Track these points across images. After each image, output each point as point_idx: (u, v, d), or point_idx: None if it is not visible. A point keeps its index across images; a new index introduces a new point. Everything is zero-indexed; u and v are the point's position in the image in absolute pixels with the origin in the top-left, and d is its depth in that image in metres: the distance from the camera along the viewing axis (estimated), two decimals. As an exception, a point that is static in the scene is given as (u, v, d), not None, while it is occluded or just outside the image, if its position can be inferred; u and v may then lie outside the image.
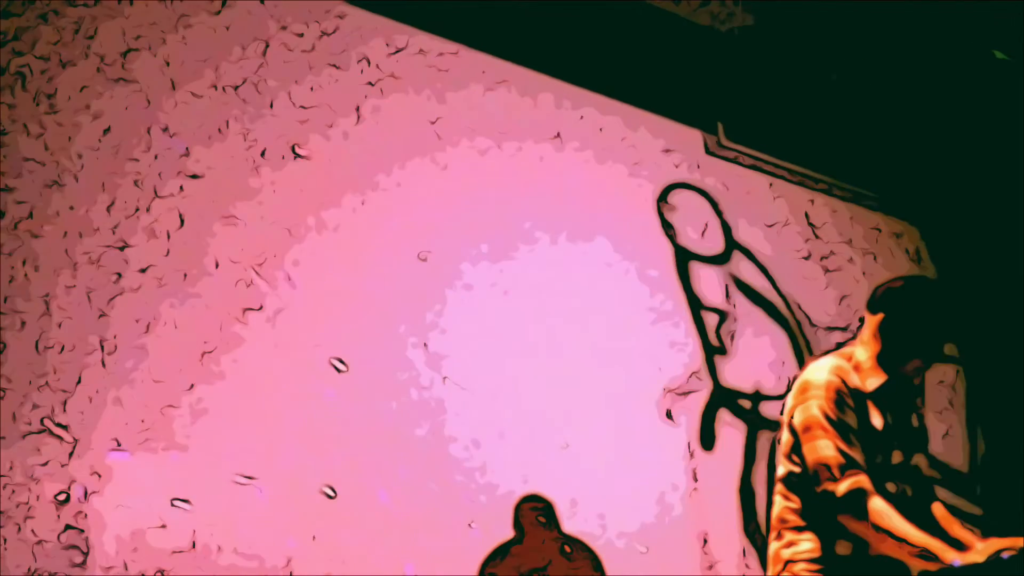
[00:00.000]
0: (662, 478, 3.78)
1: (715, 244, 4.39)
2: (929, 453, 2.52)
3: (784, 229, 4.65)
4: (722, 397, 4.12)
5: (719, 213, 4.43)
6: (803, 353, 4.44)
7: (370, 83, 3.46)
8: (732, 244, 4.43)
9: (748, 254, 4.45)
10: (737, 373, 4.21)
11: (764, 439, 4.17)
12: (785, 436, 2.40)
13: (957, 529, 2.37)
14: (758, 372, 4.28)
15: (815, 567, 2.30)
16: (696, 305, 4.19)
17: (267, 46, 3.23)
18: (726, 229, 4.44)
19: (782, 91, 4.74)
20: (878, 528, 2.15)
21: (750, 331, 4.31)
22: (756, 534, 3.98)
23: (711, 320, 4.21)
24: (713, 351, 4.19)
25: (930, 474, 2.49)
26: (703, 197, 4.40)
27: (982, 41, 4.42)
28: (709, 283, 4.28)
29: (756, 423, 4.18)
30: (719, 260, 4.37)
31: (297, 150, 3.20)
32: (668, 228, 4.21)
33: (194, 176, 3.00)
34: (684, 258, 4.24)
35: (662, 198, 4.24)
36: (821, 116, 4.88)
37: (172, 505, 2.69)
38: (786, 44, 4.61)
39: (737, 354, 4.23)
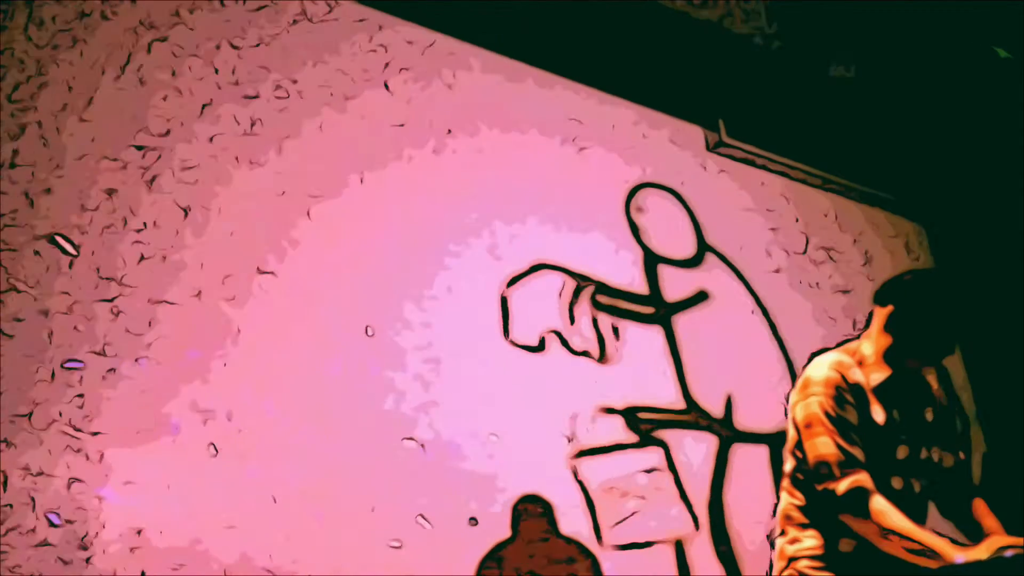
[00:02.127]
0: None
1: (687, 247, 4.36)
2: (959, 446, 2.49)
3: (784, 227, 4.74)
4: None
5: (691, 214, 4.37)
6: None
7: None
8: (704, 247, 4.36)
9: (722, 258, 4.37)
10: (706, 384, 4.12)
11: (737, 453, 4.07)
12: (790, 432, 2.42)
13: (988, 521, 2.38)
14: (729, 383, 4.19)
15: (819, 564, 2.32)
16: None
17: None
18: (698, 232, 4.37)
19: (785, 88, 4.82)
20: (879, 526, 2.17)
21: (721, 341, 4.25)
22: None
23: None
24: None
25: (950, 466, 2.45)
26: (675, 198, 4.35)
27: (986, 39, 4.54)
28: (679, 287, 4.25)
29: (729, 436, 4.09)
30: (690, 264, 4.28)
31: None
32: (636, 230, 4.20)
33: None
34: (653, 261, 4.19)
35: (630, 199, 4.19)
36: (824, 114, 4.95)
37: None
38: (791, 42, 4.72)
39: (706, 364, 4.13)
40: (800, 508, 2.38)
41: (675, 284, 4.20)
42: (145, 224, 2.86)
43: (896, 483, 2.31)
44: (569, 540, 3.38)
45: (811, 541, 2.34)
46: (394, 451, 3.12)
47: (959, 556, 2.08)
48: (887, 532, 2.15)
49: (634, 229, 4.15)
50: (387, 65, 3.61)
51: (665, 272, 4.18)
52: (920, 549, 2.11)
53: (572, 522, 3.40)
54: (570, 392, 3.65)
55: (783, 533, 2.42)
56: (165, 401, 2.73)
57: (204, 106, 3.08)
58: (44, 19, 2.83)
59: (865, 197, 5.21)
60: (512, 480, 3.31)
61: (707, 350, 4.16)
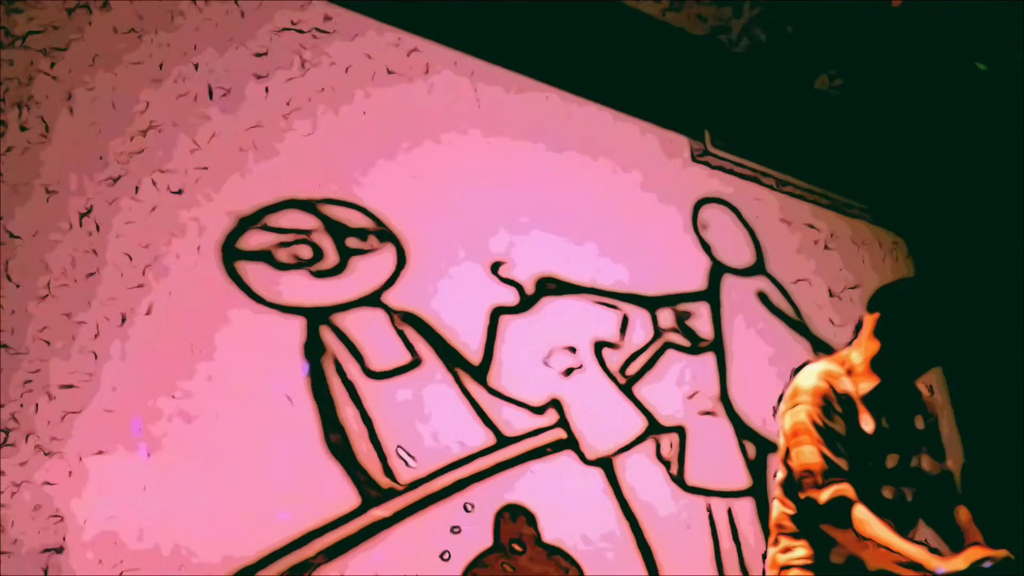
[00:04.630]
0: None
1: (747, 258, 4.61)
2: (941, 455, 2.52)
3: (776, 237, 4.82)
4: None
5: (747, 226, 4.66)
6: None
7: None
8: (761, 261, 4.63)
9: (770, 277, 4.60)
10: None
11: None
12: (781, 441, 2.44)
13: (969, 530, 2.39)
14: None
15: (809, 574, 2.34)
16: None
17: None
18: (756, 245, 4.65)
19: (770, 100, 4.89)
20: (860, 536, 2.18)
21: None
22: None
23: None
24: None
25: (937, 474, 2.48)
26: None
27: (967, 52, 4.55)
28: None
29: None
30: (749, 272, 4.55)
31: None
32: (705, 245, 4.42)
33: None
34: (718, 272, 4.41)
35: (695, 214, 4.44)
36: (810, 126, 5.04)
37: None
38: (776, 53, 4.78)
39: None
40: (792, 517, 2.40)
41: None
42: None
43: (887, 492, 2.34)
44: (553, 548, 3.39)
45: (802, 550, 2.36)
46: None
47: (940, 567, 2.10)
48: (867, 541, 2.16)
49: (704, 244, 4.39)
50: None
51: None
52: (901, 559, 2.13)
53: (555, 530, 3.42)
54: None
55: (775, 541, 2.45)
56: (142, 405, 2.74)
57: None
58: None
59: (845, 207, 5.26)
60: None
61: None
